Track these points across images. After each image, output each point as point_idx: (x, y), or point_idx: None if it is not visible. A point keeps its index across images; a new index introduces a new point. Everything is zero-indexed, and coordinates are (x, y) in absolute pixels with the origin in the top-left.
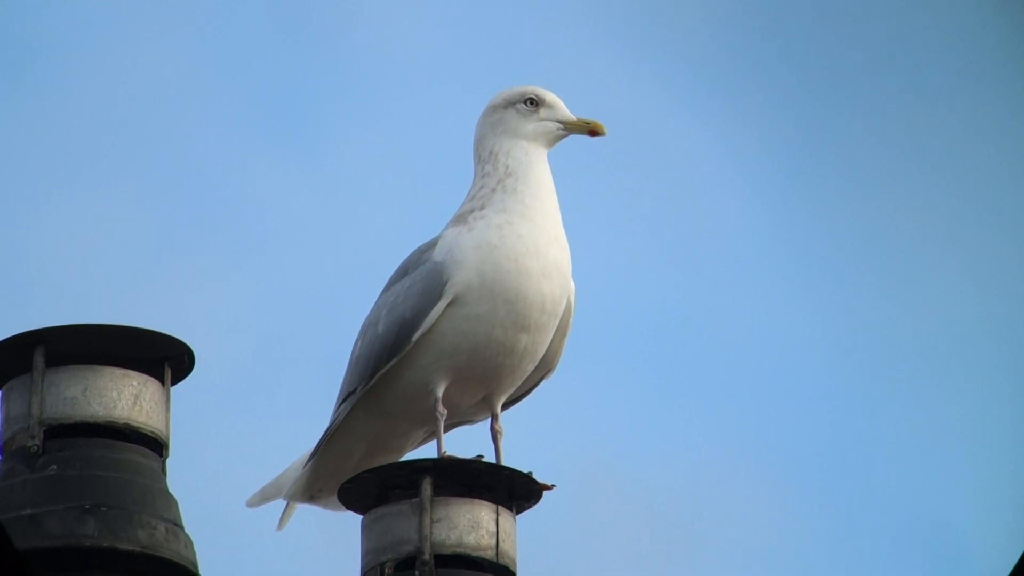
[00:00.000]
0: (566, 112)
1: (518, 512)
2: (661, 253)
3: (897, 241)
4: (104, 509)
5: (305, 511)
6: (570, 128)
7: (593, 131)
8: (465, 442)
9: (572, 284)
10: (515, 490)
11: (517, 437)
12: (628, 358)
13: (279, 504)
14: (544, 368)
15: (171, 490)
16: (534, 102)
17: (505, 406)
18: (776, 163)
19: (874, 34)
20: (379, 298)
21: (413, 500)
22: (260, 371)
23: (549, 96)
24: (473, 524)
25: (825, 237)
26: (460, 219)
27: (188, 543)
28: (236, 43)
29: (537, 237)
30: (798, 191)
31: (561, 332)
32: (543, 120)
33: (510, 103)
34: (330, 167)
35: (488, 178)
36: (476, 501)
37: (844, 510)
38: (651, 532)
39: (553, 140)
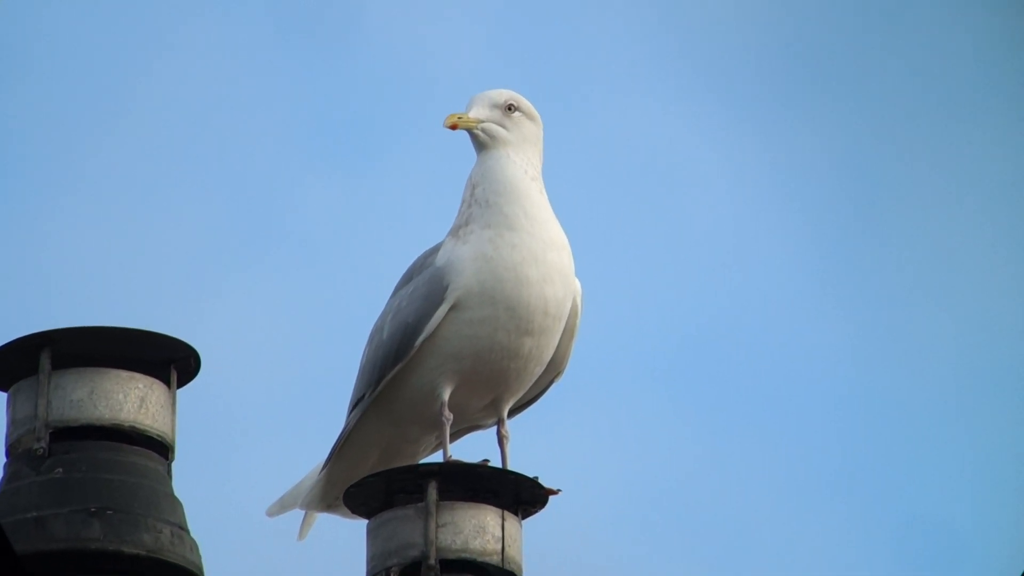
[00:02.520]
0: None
1: (524, 517)
2: (677, 262)
3: (912, 248)
4: (109, 512)
5: (323, 518)
6: None
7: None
8: (471, 447)
9: (578, 284)
10: (521, 495)
11: (523, 442)
12: (640, 364)
13: (295, 511)
14: (553, 371)
15: (176, 494)
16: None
17: (517, 410)
18: (797, 170)
19: (906, 40)
20: (386, 304)
21: (419, 504)
22: (272, 377)
23: (471, 100)
24: (479, 529)
25: (843, 244)
26: (454, 233)
27: (193, 547)
28: (258, 49)
29: (532, 245)
30: (819, 200)
31: (569, 334)
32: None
33: None
34: (364, 178)
35: (464, 191)
36: (482, 506)
37: (848, 510)
38: (657, 536)
39: (480, 142)
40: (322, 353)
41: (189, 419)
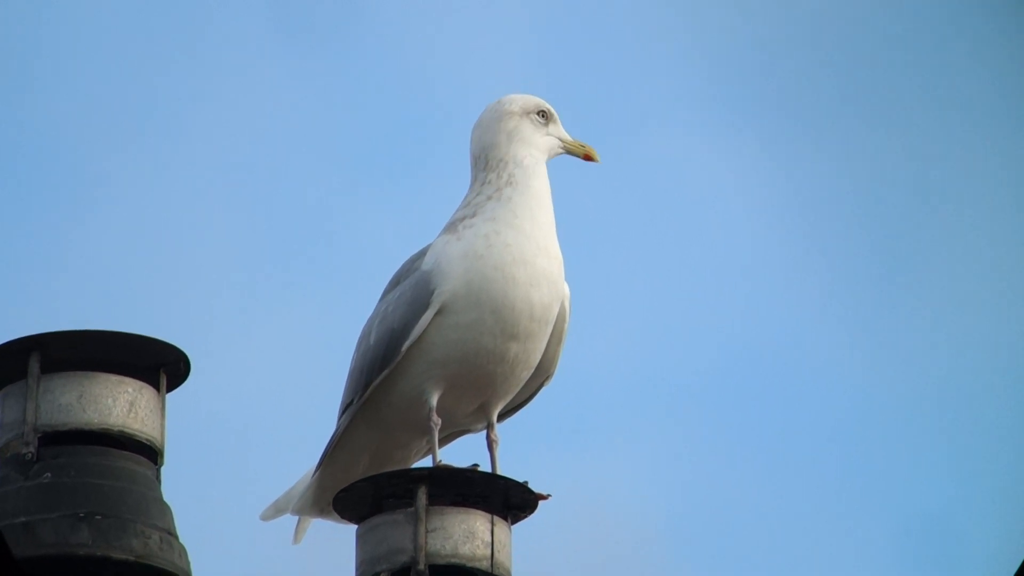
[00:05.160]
0: (564, 132)
1: (514, 522)
2: (696, 287)
3: (929, 276)
4: (98, 517)
5: (318, 522)
6: (568, 149)
7: (587, 156)
8: (461, 452)
9: (566, 289)
10: (511, 499)
11: (513, 446)
12: (657, 385)
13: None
14: (542, 374)
15: (166, 499)
16: (545, 115)
17: (507, 414)
18: (816, 197)
19: (928, 72)
20: (375, 308)
21: (408, 509)
22: (264, 381)
23: (554, 113)
24: (468, 534)
25: (861, 273)
26: (451, 228)
27: (182, 552)
28: (266, 53)
29: (524, 246)
30: (837, 228)
31: (557, 338)
32: (550, 135)
33: (526, 112)
34: (376, 188)
35: (488, 186)
36: (471, 511)
37: (846, 508)
38: (645, 540)
39: (553, 156)
40: (319, 359)
41: (179, 424)
